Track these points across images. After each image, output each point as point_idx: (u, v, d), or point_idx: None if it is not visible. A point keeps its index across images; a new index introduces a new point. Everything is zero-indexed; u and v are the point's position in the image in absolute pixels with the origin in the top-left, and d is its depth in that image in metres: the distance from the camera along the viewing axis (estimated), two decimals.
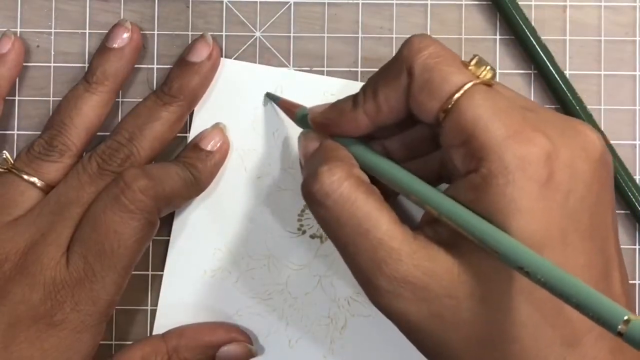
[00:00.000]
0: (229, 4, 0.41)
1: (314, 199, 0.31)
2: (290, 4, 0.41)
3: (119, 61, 0.39)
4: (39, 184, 0.37)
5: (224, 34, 0.41)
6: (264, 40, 0.41)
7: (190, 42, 0.40)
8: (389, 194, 0.33)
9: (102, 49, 0.39)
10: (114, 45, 0.39)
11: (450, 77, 0.31)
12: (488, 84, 0.31)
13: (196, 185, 0.39)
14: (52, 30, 0.41)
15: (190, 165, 0.39)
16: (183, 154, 0.39)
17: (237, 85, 0.40)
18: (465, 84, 0.30)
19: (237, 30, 0.41)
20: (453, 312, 0.30)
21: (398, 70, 0.32)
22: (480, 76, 0.31)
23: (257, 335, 0.40)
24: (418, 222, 0.33)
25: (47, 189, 0.38)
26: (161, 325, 0.40)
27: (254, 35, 0.41)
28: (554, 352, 0.29)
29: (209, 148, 0.39)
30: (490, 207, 0.29)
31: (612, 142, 0.40)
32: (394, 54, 0.40)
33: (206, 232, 0.40)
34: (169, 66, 0.41)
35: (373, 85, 0.33)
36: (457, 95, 0.30)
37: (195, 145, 0.39)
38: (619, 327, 0.24)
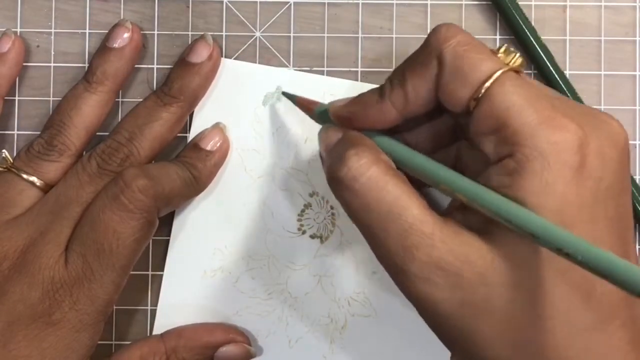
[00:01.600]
0: (229, 4, 0.41)
1: (341, 183, 0.31)
2: (290, 4, 0.41)
3: (119, 61, 0.39)
4: (38, 183, 0.37)
5: (224, 34, 0.41)
6: (264, 40, 0.41)
7: (190, 42, 0.41)
8: (416, 187, 0.32)
9: (103, 48, 0.39)
10: (114, 45, 0.39)
11: (481, 64, 0.31)
12: (517, 71, 0.31)
13: (196, 184, 0.39)
14: (52, 30, 0.41)
15: (190, 165, 0.39)
16: (183, 154, 0.39)
17: (237, 85, 0.40)
18: (495, 72, 0.30)
19: (237, 30, 0.41)
20: (485, 300, 0.30)
21: (427, 58, 0.32)
22: (510, 64, 0.31)
23: (257, 336, 0.40)
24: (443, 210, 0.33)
25: (46, 189, 0.38)
26: (161, 325, 0.40)
27: (254, 35, 0.41)
28: (582, 338, 0.29)
29: (208, 148, 0.39)
30: (524, 190, 0.29)
31: None
32: (394, 54, 0.40)
33: (206, 232, 0.40)
34: (169, 66, 0.41)
35: (400, 75, 0.33)
36: (488, 83, 0.30)
37: (195, 145, 0.39)
38: None
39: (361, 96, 0.34)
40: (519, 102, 0.30)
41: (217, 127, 0.40)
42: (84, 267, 0.35)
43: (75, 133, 0.38)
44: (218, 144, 0.39)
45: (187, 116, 0.40)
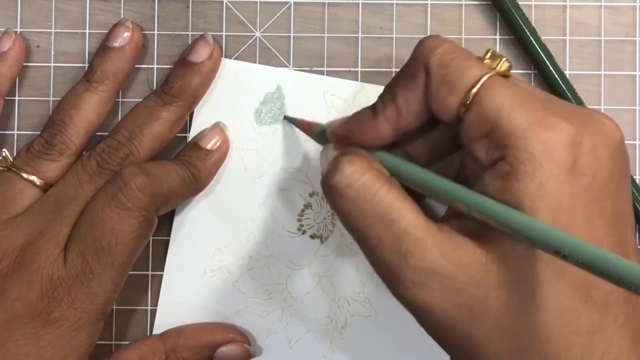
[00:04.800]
0: (229, 4, 0.41)
1: (334, 190, 0.31)
2: (290, 4, 0.41)
3: (120, 60, 0.39)
4: (37, 183, 0.37)
5: (224, 34, 0.41)
6: (264, 40, 0.41)
7: (190, 42, 0.41)
8: (415, 198, 0.32)
9: (103, 48, 0.39)
10: (114, 45, 0.39)
11: (468, 71, 0.31)
12: (505, 75, 0.31)
13: (195, 183, 0.39)
14: (52, 30, 0.41)
15: (189, 164, 0.39)
16: (182, 153, 0.39)
17: (237, 85, 0.40)
18: (482, 77, 0.30)
19: (237, 30, 0.41)
20: (481, 302, 0.30)
21: (414, 71, 0.32)
22: (497, 68, 0.31)
23: (256, 336, 0.40)
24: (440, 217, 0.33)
25: (46, 188, 0.38)
26: (161, 325, 0.40)
27: (254, 35, 0.41)
28: (580, 340, 0.29)
29: (208, 147, 0.39)
30: (518, 193, 0.29)
31: None
32: (394, 54, 0.41)
33: (206, 232, 0.40)
34: (169, 66, 0.41)
35: (391, 90, 0.33)
36: (475, 88, 0.30)
37: (195, 145, 0.39)
38: None
39: (356, 114, 0.34)
40: (508, 104, 0.30)
41: (217, 127, 0.40)
42: (83, 265, 0.35)
43: (76, 132, 0.38)
44: (218, 143, 0.39)
45: (187, 116, 0.40)
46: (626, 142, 0.40)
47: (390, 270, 0.31)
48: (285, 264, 0.40)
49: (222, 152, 0.40)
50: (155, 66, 0.41)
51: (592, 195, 0.30)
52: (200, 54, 0.39)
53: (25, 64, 0.41)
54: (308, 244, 0.40)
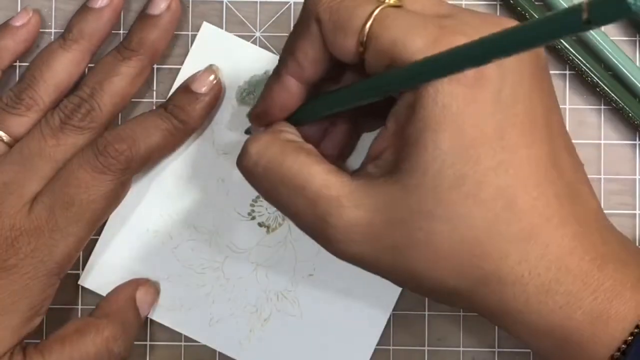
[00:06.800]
0: (229, 4, 0.41)
1: (245, 171, 0.33)
2: (290, 4, 0.41)
3: (97, 21, 0.39)
4: (4, 139, 0.38)
5: None
6: (264, 40, 0.41)
7: (190, 42, 0.41)
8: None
9: (82, 8, 0.39)
10: (94, 6, 0.39)
11: (357, 10, 0.31)
12: (395, 5, 0.31)
13: (184, 130, 0.39)
14: (52, 30, 0.41)
15: (178, 109, 0.38)
16: (172, 97, 0.39)
17: (228, 59, 0.40)
18: (373, 12, 0.30)
19: (237, 30, 0.41)
20: (405, 237, 0.30)
21: (307, 24, 0.32)
22: (386, 1, 0.31)
23: (180, 305, 0.40)
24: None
25: (12, 143, 0.38)
26: (87, 277, 0.40)
27: (254, 35, 0.41)
28: (516, 248, 0.29)
29: (202, 90, 0.39)
30: (424, 119, 0.29)
31: (611, 141, 0.40)
32: None
33: (159, 193, 0.40)
34: (169, 66, 0.41)
35: (288, 48, 0.33)
36: (368, 24, 0.30)
37: (186, 88, 0.39)
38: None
39: (265, 86, 0.35)
40: (401, 33, 0.30)
41: (210, 69, 0.40)
42: (49, 217, 0.36)
43: (44, 88, 0.38)
44: (210, 86, 0.39)
45: (148, 70, 0.39)
46: (626, 142, 0.40)
47: (316, 233, 0.31)
48: (227, 244, 0.40)
49: (214, 95, 0.39)
50: (155, 66, 0.41)
51: (501, 106, 0.29)
52: (158, 6, 0.39)
53: (25, 64, 0.41)
54: (254, 230, 0.40)
